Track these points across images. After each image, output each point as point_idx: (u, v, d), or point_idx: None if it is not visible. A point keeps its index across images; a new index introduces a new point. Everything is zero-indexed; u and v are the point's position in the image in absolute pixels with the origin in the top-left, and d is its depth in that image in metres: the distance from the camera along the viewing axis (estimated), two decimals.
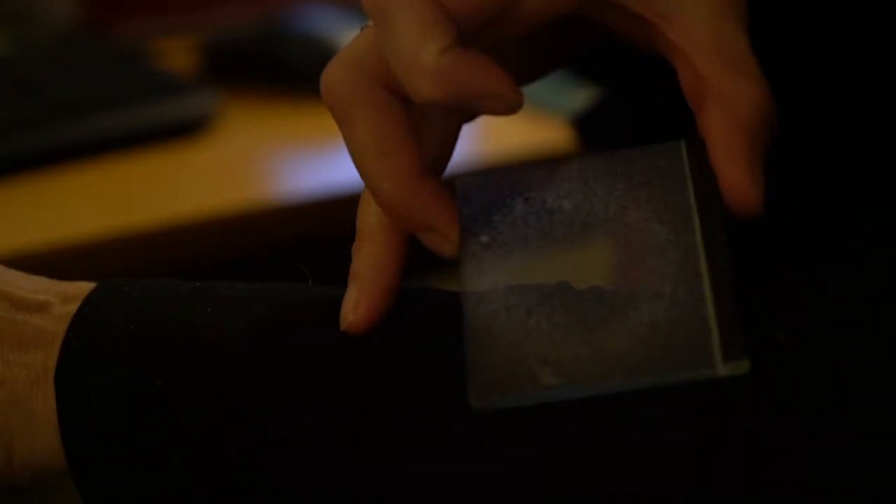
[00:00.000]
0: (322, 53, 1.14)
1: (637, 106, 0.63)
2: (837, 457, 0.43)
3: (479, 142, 1.00)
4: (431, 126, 0.51)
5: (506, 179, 0.50)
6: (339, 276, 1.08)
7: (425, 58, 0.45)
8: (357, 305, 0.49)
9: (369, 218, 0.50)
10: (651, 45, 0.50)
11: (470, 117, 0.52)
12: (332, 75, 0.48)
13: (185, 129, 1.03)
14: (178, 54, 1.22)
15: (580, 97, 1.04)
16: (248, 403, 0.48)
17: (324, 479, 0.47)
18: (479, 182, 0.51)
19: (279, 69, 1.14)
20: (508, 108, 0.46)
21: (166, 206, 0.94)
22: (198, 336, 0.49)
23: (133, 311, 0.50)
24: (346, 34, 1.16)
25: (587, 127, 0.69)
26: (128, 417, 0.49)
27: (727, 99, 0.47)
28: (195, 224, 0.93)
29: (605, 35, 0.52)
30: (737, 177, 0.46)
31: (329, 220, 0.99)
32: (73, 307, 0.51)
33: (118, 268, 0.91)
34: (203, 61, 1.18)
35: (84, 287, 0.51)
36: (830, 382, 0.44)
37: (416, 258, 0.50)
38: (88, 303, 0.51)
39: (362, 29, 0.49)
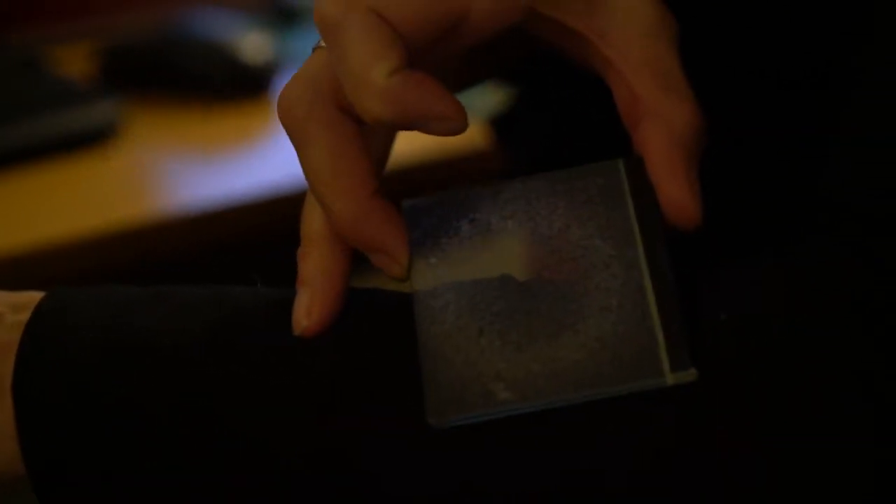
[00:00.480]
0: (221, 59, 1.14)
1: (554, 107, 0.64)
2: (778, 423, 0.45)
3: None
4: (374, 139, 0.52)
5: (451, 202, 0.51)
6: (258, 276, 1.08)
7: (375, 78, 0.46)
8: (310, 311, 0.49)
9: (314, 224, 0.50)
10: (587, 62, 0.51)
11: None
12: (288, 95, 0.49)
13: (90, 139, 1.03)
14: (74, 61, 1.21)
15: (494, 98, 1.06)
16: (208, 408, 0.48)
17: (286, 479, 0.48)
18: (426, 205, 0.51)
19: (179, 75, 1.14)
20: (453, 130, 0.47)
21: (76, 218, 0.94)
22: (153, 341, 0.49)
23: (86, 319, 0.50)
24: (244, 39, 1.16)
25: (503, 127, 0.70)
26: (87, 426, 0.49)
27: (663, 118, 0.49)
28: (106, 235, 0.93)
29: (542, 48, 0.53)
30: (677, 193, 0.48)
31: (238, 225, 0.99)
32: (24, 316, 0.50)
33: (25, 283, 0.90)
34: (101, 68, 1.17)
35: (33, 296, 0.51)
36: (769, 357, 0.46)
37: (364, 258, 0.51)
38: (40, 311, 0.50)
39: (315, 49, 0.50)
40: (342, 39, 0.47)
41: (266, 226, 1.00)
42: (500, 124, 0.70)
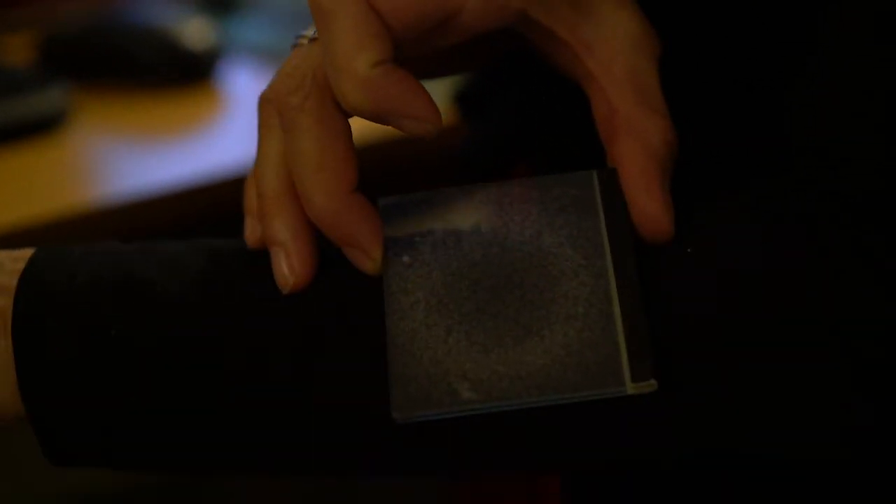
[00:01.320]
0: (164, 45, 1.15)
1: (518, 83, 0.65)
2: (743, 337, 0.48)
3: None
4: None
5: (426, 203, 0.53)
6: None
7: (358, 67, 0.48)
8: (291, 269, 0.51)
9: (271, 184, 0.52)
10: (570, 71, 0.53)
11: None
12: (283, 83, 0.51)
13: (40, 127, 1.04)
14: (17, 50, 1.21)
15: (435, 84, 1.07)
16: (205, 349, 0.50)
17: (279, 414, 0.50)
18: (401, 204, 0.53)
19: (122, 62, 1.15)
20: (427, 132, 0.49)
21: (25, 206, 0.95)
22: (147, 285, 0.51)
23: (80, 265, 0.52)
24: (186, 25, 1.18)
25: (468, 104, 0.71)
26: (85, 361, 0.50)
27: (640, 133, 0.51)
28: (55, 222, 0.94)
29: (523, 45, 0.55)
30: (651, 207, 0.50)
31: (185, 209, 1.00)
32: (20, 265, 0.52)
33: None
34: (45, 56, 1.18)
35: (28, 250, 0.53)
36: (730, 282, 0.49)
37: None
38: (36, 259, 0.52)
39: (299, 44, 0.52)
40: (332, 26, 0.48)
41: (212, 210, 1.01)
42: (464, 100, 0.71)
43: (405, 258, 0.52)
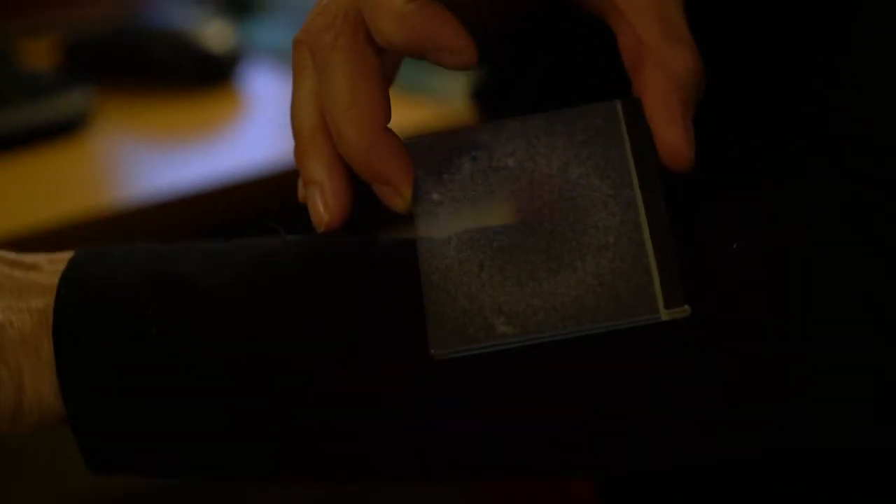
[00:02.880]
0: (185, 47, 1.16)
1: (535, 78, 0.66)
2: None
3: None
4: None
5: (453, 140, 0.54)
6: None
7: (395, 2, 0.49)
8: (326, 206, 0.52)
9: (307, 122, 0.52)
10: (594, 8, 0.54)
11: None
12: (315, 23, 0.52)
13: (62, 129, 1.04)
14: (41, 53, 1.22)
15: (453, 80, 1.08)
16: (249, 342, 0.50)
17: (326, 401, 0.50)
18: (429, 143, 0.54)
19: (144, 64, 1.16)
20: (461, 63, 0.50)
21: (47, 208, 0.95)
22: (187, 284, 0.51)
23: (120, 265, 0.52)
24: (206, 27, 1.18)
25: (486, 100, 0.71)
26: (123, 361, 0.50)
27: (664, 63, 0.51)
28: (78, 224, 0.95)
29: None
30: (673, 135, 0.51)
31: (207, 211, 1.01)
32: (60, 266, 0.52)
33: None
34: (67, 59, 1.18)
35: (67, 252, 0.53)
36: (779, 277, 0.49)
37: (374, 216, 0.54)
38: (77, 259, 0.53)
39: None
40: None
41: (233, 211, 1.02)
42: (482, 97, 0.72)
43: (435, 196, 0.52)
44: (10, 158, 1.02)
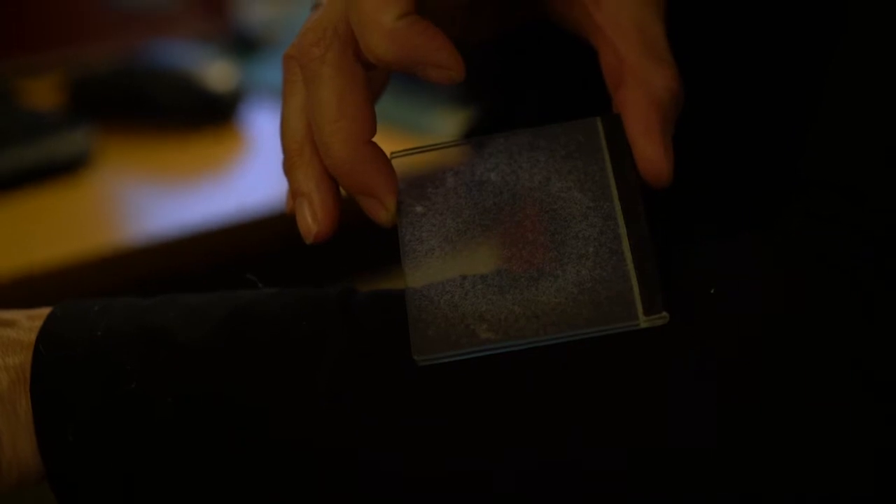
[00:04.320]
0: (188, 88, 1.16)
1: (524, 120, 0.65)
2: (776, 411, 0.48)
3: None
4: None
5: (437, 155, 0.55)
6: None
7: (384, 19, 0.49)
8: (314, 217, 0.52)
9: (294, 136, 0.53)
10: (577, 26, 0.54)
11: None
12: (306, 38, 0.52)
13: (63, 169, 1.05)
14: (43, 93, 1.23)
15: (447, 118, 1.09)
16: (223, 395, 0.50)
17: (290, 469, 0.50)
18: (413, 157, 0.54)
19: (147, 105, 1.16)
20: (449, 78, 0.51)
21: (49, 247, 0.95)
22: (165, 338, 0.51)
23: (99, 320, 0.52)
24: (209, 68, 1.19)
25: None
26: (101, 418, 0.50)
27: (644, 81, 0.52)
28: (79, 263, 0.95)
29: (536, 13, 0.56)
30: (651, 151, 0.51)
31: (208, 251, 1.01)
32: (38, 322, 0.52)
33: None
34: (70, 99, 1.19)
35: (45, 309, 0.53)
36: (754, 323, 0.48)
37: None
38: (53, 316, 0.52)
39: (318, 3, 0.53)
40: None
41: (235, 251, 1.02)
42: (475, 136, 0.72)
43: (418, 208, 0.53)
44: (13, 198, 1.02)
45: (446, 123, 1.08)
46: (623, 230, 0.51)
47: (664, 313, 0.49)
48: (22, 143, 1.04)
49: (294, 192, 0.53)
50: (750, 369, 0.48)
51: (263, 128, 1.17)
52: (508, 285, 0.51)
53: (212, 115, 1.16)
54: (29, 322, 0.53)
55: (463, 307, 0.51)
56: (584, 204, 0.52)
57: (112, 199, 1.05)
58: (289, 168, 0.53)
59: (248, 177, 1.09)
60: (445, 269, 0.52)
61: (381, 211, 0.52)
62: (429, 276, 0.52)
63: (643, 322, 0.49)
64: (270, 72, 1.26)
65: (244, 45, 1.35)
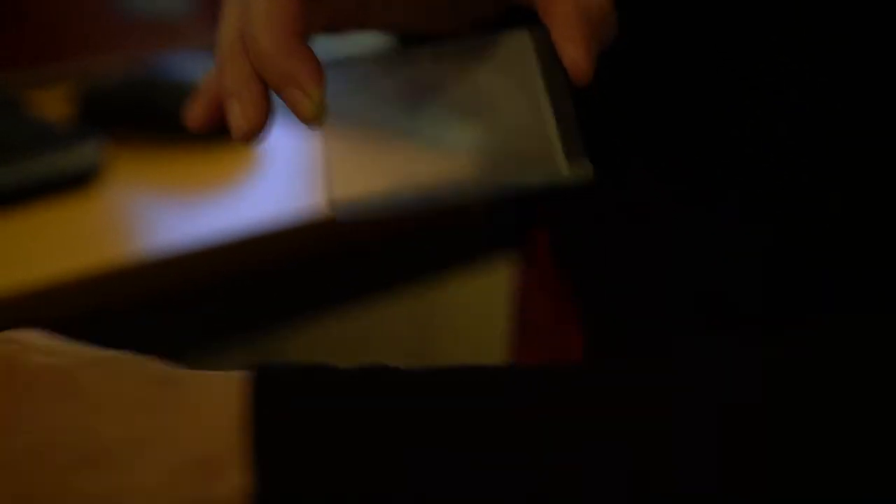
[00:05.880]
0: None
1: None
2: None
3: None
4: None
5: (370, 61, 0.57)
6: (241, 318, 1.09)
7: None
8: (244, 114, 0.53)
9: (228, 38, 0.54)
10: None
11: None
12: None
13: (73, 181, 1.04)
14: (53, 104, 1.22)
15: (471, 132, 1.08)
16: None
17: None
18: (345, 63, 0.57)
19: (157, 117, 1.16)
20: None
21: (60, 261, 0.95)
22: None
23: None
24: None
25: None
26: None
27: None
28: (91, 276, 0.94)
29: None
30: (573, 52, 0.52)
31: (219, 265, 1.01)
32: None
33: (9, 326, 0.91)
34: (80, 110, 1.19)
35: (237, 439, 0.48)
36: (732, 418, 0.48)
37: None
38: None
39: None
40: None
41: (246, 265, 1.02)
42: None
43: (345, 101, 0.56)
44: (22, 211, 1.02)
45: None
46: (548, 102, 0.53)
47: (588, 163, 0.51)
48: (31, 155, 1.03)
49: (224, 94, 0.54)
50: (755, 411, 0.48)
51: (274, 141, 1.17)
52: (431, 147, 0.54)
53: (222, 127, 1.15)
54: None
55: (385, 165, 0.53)
56: (511, 87, 0.54)
57: (122, 213, 1.04)
58: (220, 73, 0.54)
59: (259, 190, 1.09)
60: (368, 138, 0.54)
61: (307, 101, 0.52)
62: (349, 141, 0.54)
63: (566, 171, 0.51)
64: None
65: None
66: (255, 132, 0.53)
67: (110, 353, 0.50)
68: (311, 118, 0.52)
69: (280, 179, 1.10)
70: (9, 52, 1.27)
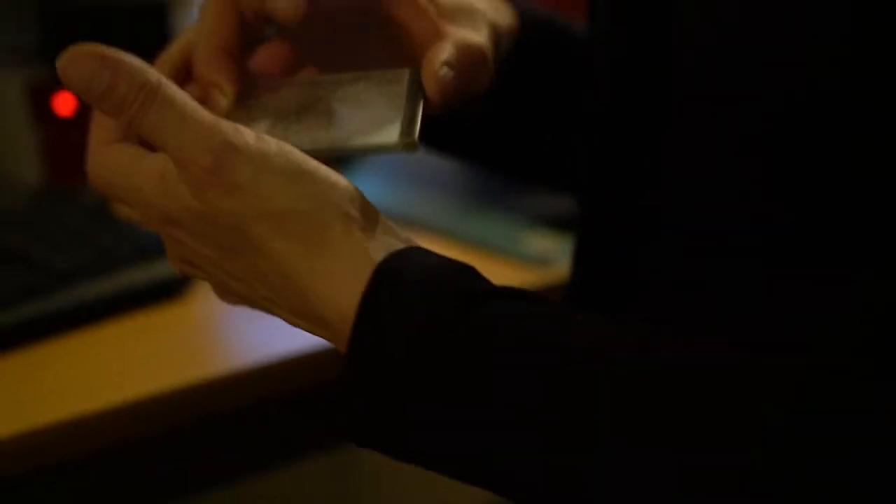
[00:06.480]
0: None
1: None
2: None
3: None
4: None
5: (279, 82, 0.76)
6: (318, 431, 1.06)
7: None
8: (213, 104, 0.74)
9: (163, 56, 0.76)
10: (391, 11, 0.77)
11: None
12: None
13: (165, 292, 1.04)
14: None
15: (537, 242, 1.08)
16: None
17: None
18: (262, 83, 0.76)
19: None
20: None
21: (152, 376, 0.94)
22: None
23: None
24: None
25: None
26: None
27: (452, 39, 0.74)
28: (183, 390, 0.94)
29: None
30: (430, 88, 0.73)
31: (318, 375, 0.99)
32: None
33: (122, 435, 0.91)
34: None
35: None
36: None
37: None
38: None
39: None
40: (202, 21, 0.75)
41: (334, 375, 1.01)
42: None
43: (251, 100, 0.74)
44: (113, 322, 1.01)
45: (538, 245, 1.08)
46: (408, 95, 0.72)
47: (416, 141, 0.69)
48: (123, 265, 1.04)
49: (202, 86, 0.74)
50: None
51: None
52: (304, 132, 0.71)
53: None
54: None
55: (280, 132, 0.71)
56: (380, 86, 0.73)
57: (213, 323, 1.04)
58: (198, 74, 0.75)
59: None
60: (253, 119, 0.73)
61: (221, 97, 0.73)
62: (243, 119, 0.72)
63: (399, 143, 0.69)
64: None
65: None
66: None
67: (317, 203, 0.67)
68: (222, 109, 0.72)
69: None
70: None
